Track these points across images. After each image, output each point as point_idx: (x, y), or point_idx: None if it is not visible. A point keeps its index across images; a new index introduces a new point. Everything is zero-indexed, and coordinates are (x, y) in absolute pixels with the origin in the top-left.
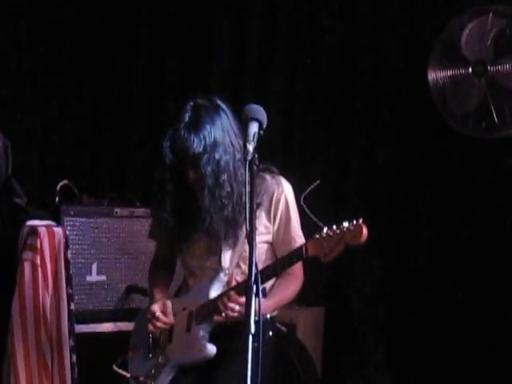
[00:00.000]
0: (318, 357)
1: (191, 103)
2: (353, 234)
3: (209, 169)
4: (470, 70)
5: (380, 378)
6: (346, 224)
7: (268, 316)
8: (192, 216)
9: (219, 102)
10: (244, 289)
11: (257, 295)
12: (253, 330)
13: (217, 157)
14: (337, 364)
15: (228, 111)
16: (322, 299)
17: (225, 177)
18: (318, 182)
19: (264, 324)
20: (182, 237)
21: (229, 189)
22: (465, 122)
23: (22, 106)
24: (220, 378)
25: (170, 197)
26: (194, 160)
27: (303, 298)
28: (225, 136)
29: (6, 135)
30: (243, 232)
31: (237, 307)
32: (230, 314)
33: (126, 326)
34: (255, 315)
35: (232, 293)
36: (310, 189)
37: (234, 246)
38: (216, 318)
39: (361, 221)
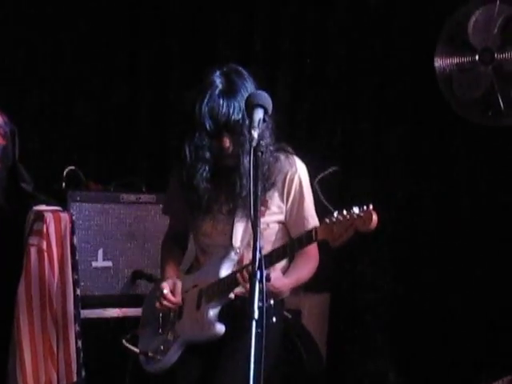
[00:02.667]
0: (323, 343)
1: (218, 70)
2: (363, 220)
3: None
4: (477, 57)
5: (385, 365)
6: (356, 210)
7: (272, 302)
8: (226, 184)
9: (242, 69)
10: (274, 258)
11: (261, 281)
12: (256, 315)
13: None
14: (342, 350)
15: (251, 78)
16: (327, 285)
17: (263, 142)
18: (335, 168)
19: (267, 310)
20: (205, 209)
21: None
22: (471, 109)
23: (28, 92)
24: (226, 361)
25: (207, 164)
26: (234, 126)
27: (309, 285)
28: None
29: (13, 121)
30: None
31: None
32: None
33: (132, 311)
34: (259, 301)
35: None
36: (325, 173)
37: (246, 222)
38: (236, 292)
39: (371, 207)
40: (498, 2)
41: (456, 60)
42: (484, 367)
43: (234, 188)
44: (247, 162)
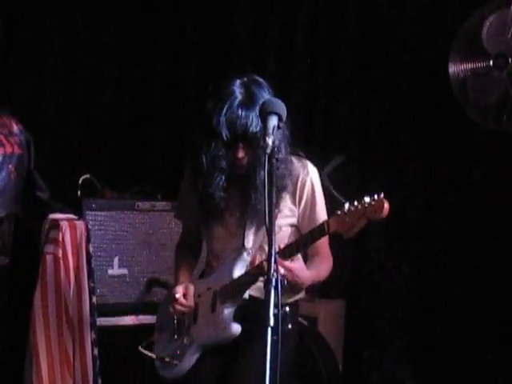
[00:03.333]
0: (339, 350)
1: (238, 80)
2: (374, 208)
3: None
4: (491, 62)
5: (401, 371)
6: (367, 199)
7: (287, 308)
8: (240, 193)
9: (260, 79)
10: (287, 253)
11: (276, 288)
12: (272, 322)
13: None
14: (358, 357)
15: (269, 89)
16: (343, 292)
17: (279, 155)
18: (343, 158)
19: (283, 317)
20: (217, 215)
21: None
22: (486, 115)
23: (43, 100)
24: (243, 363)
25: (224, 173)
26: (251, 138)
27: (324, 291)
28: None
29: (29, 129)
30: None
31: (282, 270)
32: None
33: (148, 319)
34: (274, 308)
35: (276, 256)
36: (333, 164)
37: (258, 229)
38: (250, 293)
39: (382, 195)
40: (511, 8)
41: (470, 65)
42: (501, 373)
43: (248, 199)
44: (263, 174)
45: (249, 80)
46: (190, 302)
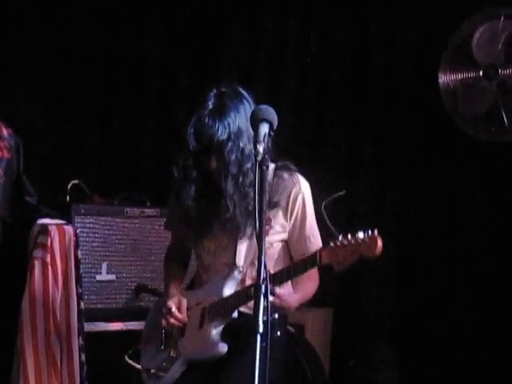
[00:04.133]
0: (326, 358)
1: (215, 91)
2: (367, 245)
3: (233, 156)
4: (481, 73)
5: (388, 379)
6: (361, 235)
7: (276, 315)
8: (213, 204)
9: (242, 90)
10: (277, 280)
11: (265, 295)
12: (261, 329)
13: (241, 145)
14: (345, 365)
15: (250, 100)
16: (330, 300)
17: (249, 165)
18: (344, 191)
19: (272, 323)
20: (201, 227)
21: (252, 178)
22: (475, 125)
23: (33, 105)
24: (229, 377)
25: (194, 183)
26: (218, 147)
27: (312, 299)
28: (248, 125)
29: (18, 134)
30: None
31: (270, 298)
32: None
33: (136, 325)
34: (263, 315)
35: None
36: (333, 197)
37: (249, 240)
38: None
39: (376, 232)
40: (502, 18)
41: (460, 76)
42: (488, 380)
43: (220, 209)
44: (231, 184)
45: (225, 90)
46: (184, 316)
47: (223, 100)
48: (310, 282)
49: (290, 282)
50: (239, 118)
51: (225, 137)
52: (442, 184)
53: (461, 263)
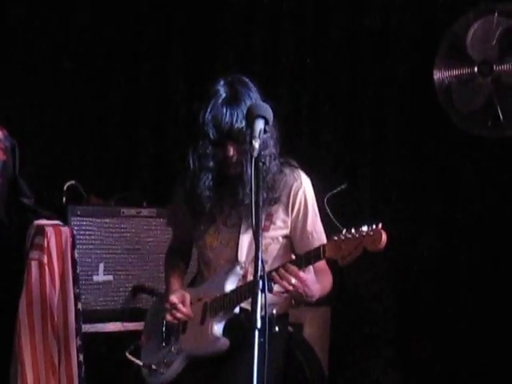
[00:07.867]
0: (324, 356)
1: (222, 80)
2: (372, 239)
3: None
4: (476, 69)
5: (387, 377)
6: (365, 228)
7: (274, 312)
8: (230, 193)
9: (246, 79)
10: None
11: (263, 291)
12: (259, 324)
13: None
14: (343, 364)
15: (255, 88)
16: (328, 299)
17: (266, 152)
18: (345, 185)
19: (270, 319)
20: (211, 219)
21: (268, 164)
22: (471, 121)
23: (28, 106)
24: (230, 373)
25: (210, 173)
26: (238, 134)
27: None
28: None
29: (13, 135)
30: (263, 220)
31: (293, 280)
32: (286, 285)
33: (133, 325)
34: (261, 310)
35: (289, 264)
36: (335, 191)
37: (252, 240)
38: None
39: (380, 226)
40: (496, 14)
41: (455, 72)
42: (488, 380)
43: (237, 197)
44: (250, 170)
45: (233, 79)
46: (189, 310)
47: (235, 87)
48: (326, 275)
49: (312, 271)
50: None
51: (243, 124)
52: (437, 179)
53: (461, 262)
